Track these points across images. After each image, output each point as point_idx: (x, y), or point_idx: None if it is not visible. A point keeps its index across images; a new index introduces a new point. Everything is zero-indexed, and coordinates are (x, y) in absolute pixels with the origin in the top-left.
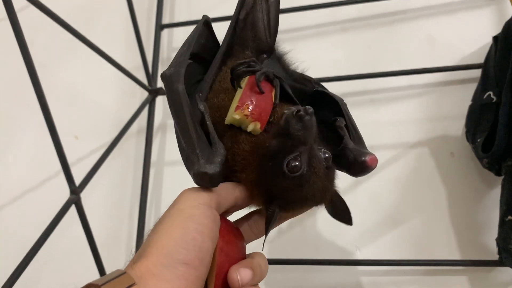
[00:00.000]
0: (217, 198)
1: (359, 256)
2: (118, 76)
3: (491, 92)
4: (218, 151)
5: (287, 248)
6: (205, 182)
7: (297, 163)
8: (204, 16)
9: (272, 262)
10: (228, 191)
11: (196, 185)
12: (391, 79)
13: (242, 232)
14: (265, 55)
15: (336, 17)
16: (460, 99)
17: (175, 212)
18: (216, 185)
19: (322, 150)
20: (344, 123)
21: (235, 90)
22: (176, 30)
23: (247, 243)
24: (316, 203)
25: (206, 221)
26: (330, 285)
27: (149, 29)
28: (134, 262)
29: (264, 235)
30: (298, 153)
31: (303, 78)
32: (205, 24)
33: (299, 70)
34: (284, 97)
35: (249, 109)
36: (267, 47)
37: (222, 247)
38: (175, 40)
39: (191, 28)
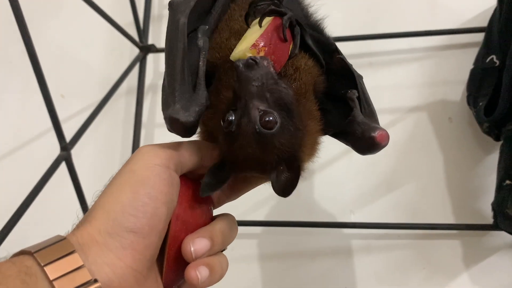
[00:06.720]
0: (177, 158)
1: (353, 219)
2: (108, 32)
3: (494, 56)
4: (199, 100)
5: (281, 211)
6: (176, 129)
7: (229, 118)
8: None
9: (265, 224)
10: (193, 149)
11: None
12: (391, 42)
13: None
14: None
15: None
16: (460, 64)
17: (126, 173)
18: (188, 135)
19: (264, 110)
20: (357, 95)
21: (247, 28)
22: None
23: (219, 206)
24: (255, 172)
25: (160, 184)
26: (324, 248)
27: None
28: (78, 227)
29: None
30: (236, 108)
31: (319, 26)
32: None
33: (316, 16)
34: (303, 48)
35: (264, 53)
36: None
37: (179, 214)
38: None
39: None
